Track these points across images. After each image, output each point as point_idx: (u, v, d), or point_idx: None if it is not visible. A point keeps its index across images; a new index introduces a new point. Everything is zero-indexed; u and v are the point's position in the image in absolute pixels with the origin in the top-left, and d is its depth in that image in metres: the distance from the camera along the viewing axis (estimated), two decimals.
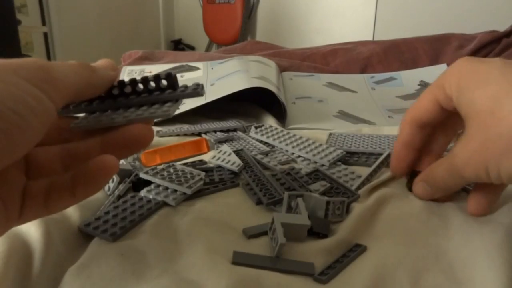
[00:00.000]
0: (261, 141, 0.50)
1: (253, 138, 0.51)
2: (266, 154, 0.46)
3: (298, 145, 0.47)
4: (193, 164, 0.42)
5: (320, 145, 0.46)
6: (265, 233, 0.31)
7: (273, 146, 0.48)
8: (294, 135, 0.49)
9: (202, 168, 0.41)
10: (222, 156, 0.43)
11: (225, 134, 0.53)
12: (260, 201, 0.35)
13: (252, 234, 0.30)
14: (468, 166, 0.28)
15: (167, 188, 0.36)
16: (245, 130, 0.56)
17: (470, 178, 0.29)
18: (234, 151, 0.44)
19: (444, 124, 0.34)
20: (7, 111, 0.17)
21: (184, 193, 0.35)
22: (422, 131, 0.34)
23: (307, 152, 0.45)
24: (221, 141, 0.51)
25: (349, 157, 0.45)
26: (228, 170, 0.41)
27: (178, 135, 0.54)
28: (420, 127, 0.34)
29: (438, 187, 0.33)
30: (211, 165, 0.42)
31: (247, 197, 0.37)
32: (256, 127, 0.54)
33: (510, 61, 0.29)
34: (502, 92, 0.27)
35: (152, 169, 0.38)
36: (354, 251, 0.29)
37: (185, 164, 0.42)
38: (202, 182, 0.37)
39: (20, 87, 0.18)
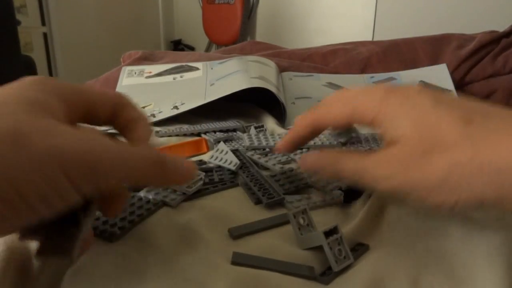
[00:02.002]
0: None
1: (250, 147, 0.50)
2: (265, 154, 0.46)
3: None
4: None
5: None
6: (251, 233, 0.30)
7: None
8: None
9: (202, 168, 0.41)
10: (219, 156, 0.43)
11: (225, 134, 0.53)
12: (259, 201, 0.35)
13: (237, 234, 0.30)
14: (386, 182, 0.28)
15: (166, 188, 0.36)
16: (244, 130, 0.56)
17: (381, 190, 0.29)
18: (232, 150, 0.44)
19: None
20: (16, 197, 0.18)
21: (184, 193, 0.35)
22: (318, 132, 0.35)
23: (314, 142, 0.45)
24: (219, 141, 0.51)
25: None
26: (228, 170, 0.41)
27: (177, 135, 0.54)
28: (319, 131, 0.35)
29: (333, 171, 0.31)
30: (211, 165, 0.42)
31: (247, 197, 0.37)
32: (255, 127, 0.54)
33: (432, 94, 0.29)
34: (441, 124, 0.26)
35: None
36: (356, 250, 0.29)
37: None
38: (201, 182, 0.37)
39: (51, 183, 0.18)
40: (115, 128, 0.28)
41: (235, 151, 0.43)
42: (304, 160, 0.33)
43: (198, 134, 0.54)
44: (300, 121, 0.35)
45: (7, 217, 0.18)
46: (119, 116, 0.27)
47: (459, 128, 0.26)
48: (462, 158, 0.25)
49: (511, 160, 0.24)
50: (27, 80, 0.23)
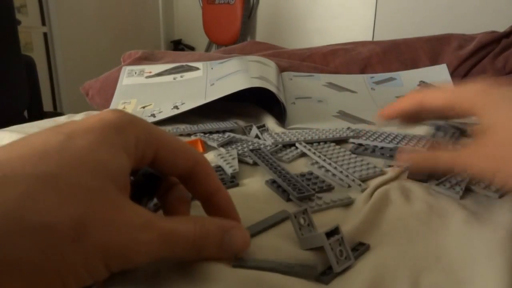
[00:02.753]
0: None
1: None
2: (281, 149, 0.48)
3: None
4: None
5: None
6: (251, 235, 0.30)
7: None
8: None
9: None
10: (225, 156, 0.43)
11: (225, 137, 0.52)
12: (290, 198, 0.36)
13: None
14: (475, 168, 0.31)
15: None
16: (244, 132, 0.56)
17: (475, 174, 0.33)
18: (252, 150, 0.44)
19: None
20: (59, 282, 0.18)
21: None
22: (419, 111, 0.38)
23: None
24: (224, 145, 0.50)
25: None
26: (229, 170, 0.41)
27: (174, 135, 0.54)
28: (420, 108, 0.37)
29: (431, 160, 0.35)
30: (212, 164, 0.42)
31: (247, 198, 0.37)
32: (258, 127, 0.54)
33: None
34: None
35: None
36: (357, 249, 0.29)
37: None
38: None
39: (91, 270, 0.19)
40: (185, 186, 0.28)
41: (256, 150, 0.43)
42: (401, 154, 0.36)
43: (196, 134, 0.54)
44: (409, 97, 0.38)
45: None
46: (197, 181, 0.27)
47: None
48: None
49: None
50: (107, 122, 0.22)
